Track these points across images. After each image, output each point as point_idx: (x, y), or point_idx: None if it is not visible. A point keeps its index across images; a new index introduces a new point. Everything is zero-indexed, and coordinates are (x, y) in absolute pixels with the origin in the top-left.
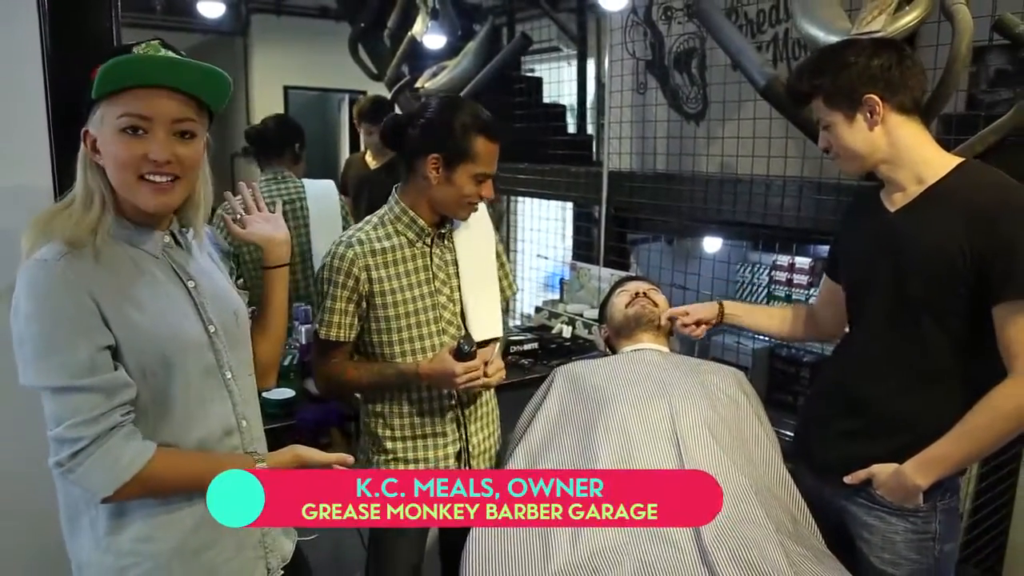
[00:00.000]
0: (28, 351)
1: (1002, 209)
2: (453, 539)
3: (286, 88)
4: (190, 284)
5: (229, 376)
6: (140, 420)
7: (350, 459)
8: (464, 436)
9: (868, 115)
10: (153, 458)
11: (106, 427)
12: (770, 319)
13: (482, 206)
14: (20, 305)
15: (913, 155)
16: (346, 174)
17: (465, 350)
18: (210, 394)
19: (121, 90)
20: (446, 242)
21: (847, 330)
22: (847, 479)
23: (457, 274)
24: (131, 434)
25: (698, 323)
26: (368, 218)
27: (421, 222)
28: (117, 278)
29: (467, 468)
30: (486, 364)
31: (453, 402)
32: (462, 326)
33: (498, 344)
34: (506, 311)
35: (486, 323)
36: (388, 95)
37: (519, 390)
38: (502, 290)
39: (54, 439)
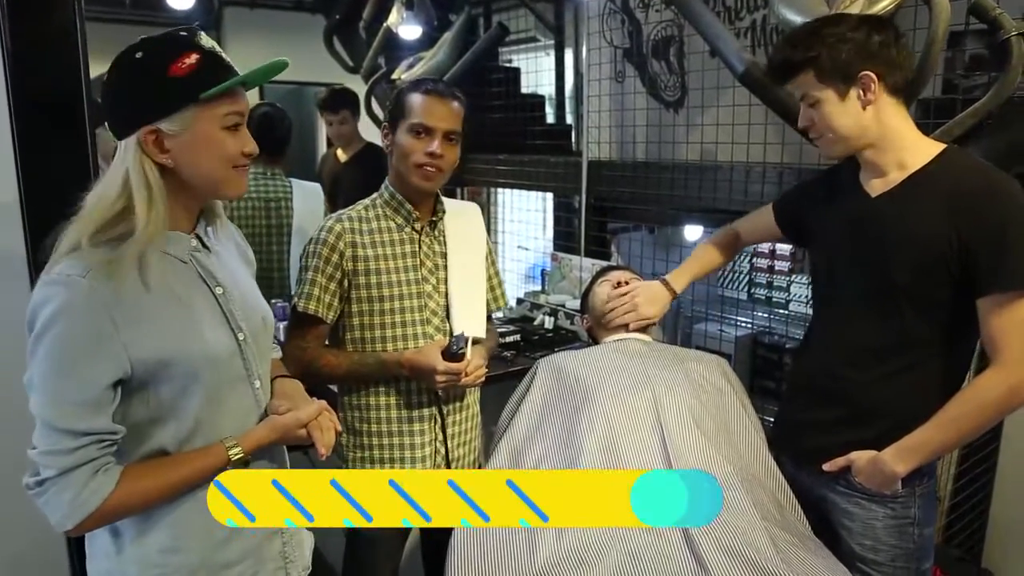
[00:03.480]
0: (32, 371)
1: (989, 197)
2: (436, 540)
3: None
4: (218, 291)
5: (259, 386)
6: (167, 434)
7: (325, 405)
8: (443, 437)
9: (862, 93)
10: (115, 490)
11: (76, 462)
12: (704, 266)
13: (477, 208)
14: (36, 319)
15: (898, 140)
16: (321, 171)
17: (454, 350)
18: (238, 405)
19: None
20: (437, 233)
21: (820, 314)
22: (826, 466)
23: (445, 267)
24: (99, 468)
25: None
26: (361, 200)
27: (408, 206)
28: (143, 291)
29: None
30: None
31: (433, 399)
32: (446, 319)
33: (480, 345)
34: (488, 319)
35: (470, 321)
36: (364, 88)
37: (501, 383)
38: (491, 300)
39: (30, 459)
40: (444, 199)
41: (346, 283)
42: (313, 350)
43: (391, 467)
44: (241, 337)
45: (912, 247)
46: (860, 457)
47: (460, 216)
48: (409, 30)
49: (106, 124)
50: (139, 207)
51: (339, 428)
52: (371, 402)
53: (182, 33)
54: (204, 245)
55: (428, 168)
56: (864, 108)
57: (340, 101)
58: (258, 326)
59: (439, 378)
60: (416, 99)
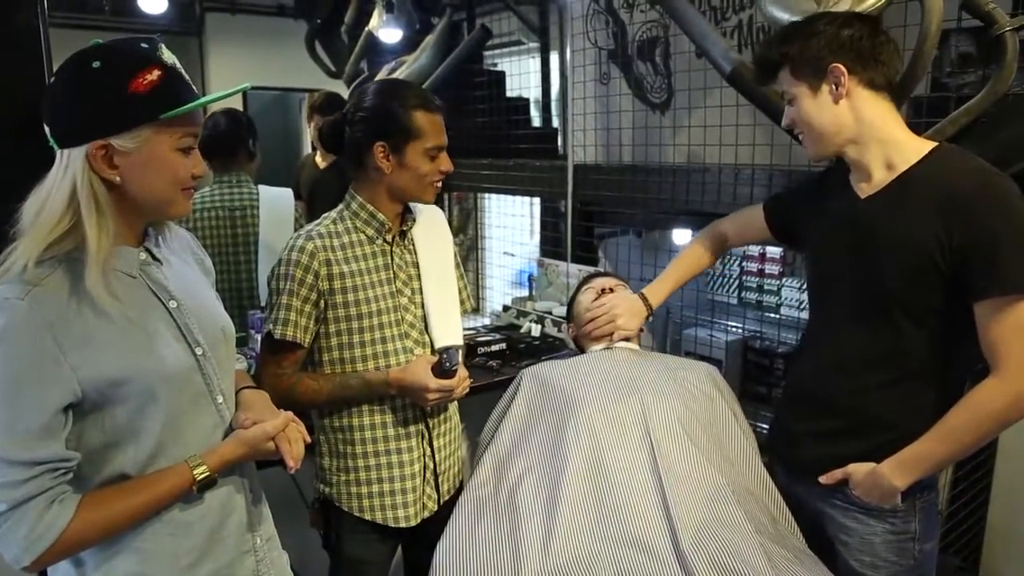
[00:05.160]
0: None
1: (981, 198)
2: (418, 561)
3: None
4: (171, 304)
5: (221, 401)
6: (126, 458)
7: (292, 416)
8: (431, 452)
9: (833, 87)
10: (72, 520)
11: (29, 494)
12: (686, 271)
13: (441, 212)
14: None
15: (881, 135)
16: (299, 177)
17: (446, 367)
18: (201, 422)
19: None
20: (407, 243)
21: (814, 320)
22: (822, 479)
23: (418, 276)
24: (54, 499)
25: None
26: (326, 214)
27: (381, 216)
28: (89, 309)
29: (435, 485)
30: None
31: (419, 415)
32: (424, 332)
33: (460, 352)
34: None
35: (449, 331)
36: (346, 92)
37: (487, 393)
38: (460, 301)
39: None
40: (411, 206)
41: (323, 304)
42: (291, 376)
43: (379, 487)
44: (199, 352)
45: (902, 251)
46: (857, 470)
47: (427, 222)
48: (390, 33)
49: (47, 129)
50: (89, 226)
51: (308, 439)
52: (354, 423)
53: (143, 44)
54: (155, 258)
55: (439, 183)
56: (836, 102)
57: (335, 106)
58: (217, 338)
59: (431, 396)
60: (426, 119)
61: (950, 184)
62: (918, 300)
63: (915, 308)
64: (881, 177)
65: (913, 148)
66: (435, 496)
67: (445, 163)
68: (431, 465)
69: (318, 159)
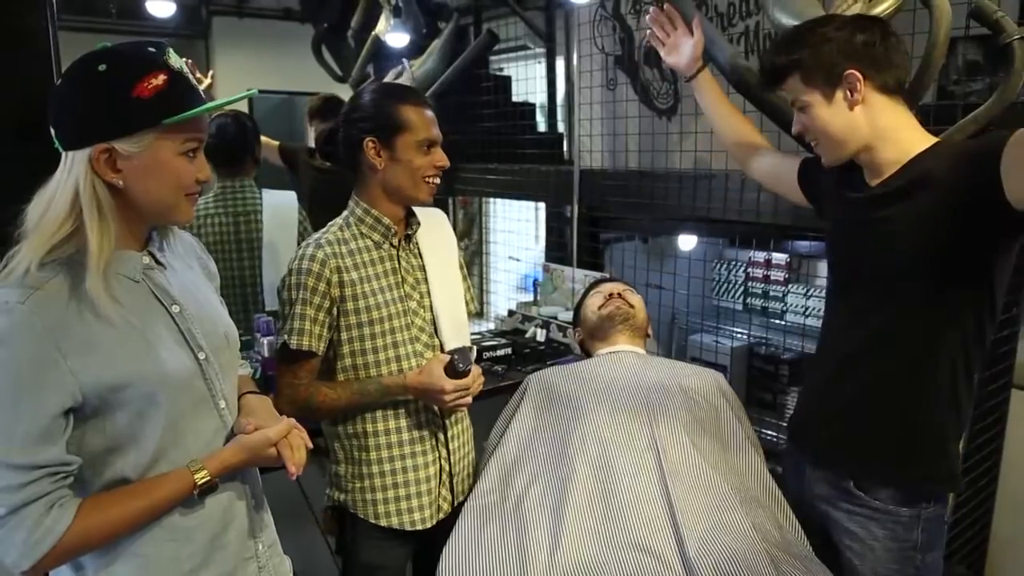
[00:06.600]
0: None
1: (1000, 140)
2: (428, 562)
3: None
4: (174, 309)
5: (223, 406)
6: (127, 463)
7: (295, 422)
8: (447, 453)
9: (848, 93)
10: (72, 524)
11: (28, 498)
12: (729, 117)
13: (443, 214)
14: None
15: (898, 136)
16: (296, 164)
17: (460, 368)
18: (202, 427)
19: None
20: (412, 246)
21: (830, 307)
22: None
23: (426, 279)
24: (54, 503)
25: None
26: (332, 222)
27: (386, 220)
28: (91, 313)
29: (449, 487)
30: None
31: (433, 417)
32: (433, 335)
33: (471, 352)
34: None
35: (458, 332)
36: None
37: (492, 397)
38: (465, 303)
39: None
40: (414, 209)
41: (335, 311)
42: (308, 386)
43: (395, 492)
44: (202, 356)
45: (913, 232)
46: None
47: (430, 226)
48: (396, 38)
49: (52, 132)
50: (91, 230)
51: (310, 445)
52: (368, 428)
53: (150, 49)
54: (158, 262)
55: (436, 180)
56: (852, 109)
57: (332, 110)
58: (220, 343)
59: (448, 398)
60: (413, 112)
61: (963, 151)
62: (939, 268)
63: (936, 278)
64: (891, 170)
65: (920, 144)
66: (450, 498)
67: (439, 157)
68: (446, 468)
69: (317, 161)
